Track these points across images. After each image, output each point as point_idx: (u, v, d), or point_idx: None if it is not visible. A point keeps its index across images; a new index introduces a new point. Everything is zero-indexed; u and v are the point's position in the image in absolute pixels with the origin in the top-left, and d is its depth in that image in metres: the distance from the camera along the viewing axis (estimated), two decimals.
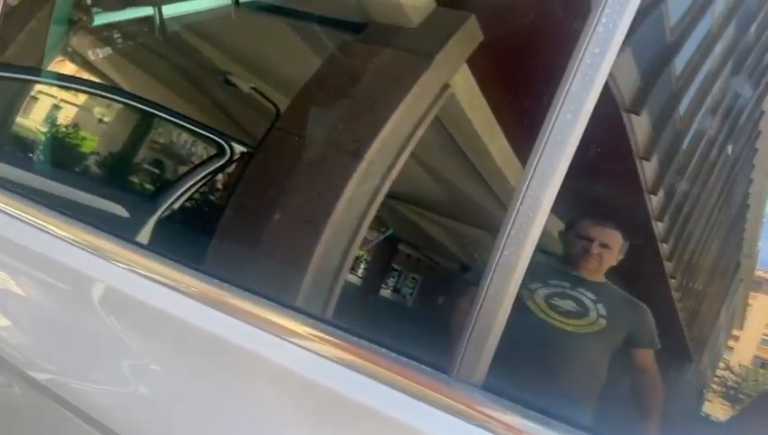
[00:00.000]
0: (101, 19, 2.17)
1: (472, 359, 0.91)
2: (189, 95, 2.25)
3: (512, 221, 0.91)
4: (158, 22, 2.05)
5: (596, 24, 0.94)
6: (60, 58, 2.20)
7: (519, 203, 0.92)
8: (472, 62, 1.79)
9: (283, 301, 1.07)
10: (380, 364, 0.95)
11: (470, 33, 1.79)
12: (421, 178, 1.87)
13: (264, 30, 2.11)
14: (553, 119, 0.92)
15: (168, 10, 2.07)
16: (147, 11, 2.07)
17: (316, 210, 1.73)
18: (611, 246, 1.52)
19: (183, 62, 2.29)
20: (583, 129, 0.93)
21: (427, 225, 1.85)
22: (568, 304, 1.48)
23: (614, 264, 1.52)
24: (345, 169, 1.71)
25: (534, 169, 0.93)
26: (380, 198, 1.74)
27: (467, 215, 1.80)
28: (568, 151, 0.92)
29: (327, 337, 1.00)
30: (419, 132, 1.77)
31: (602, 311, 1.47)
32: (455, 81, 1.81)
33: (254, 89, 2.00)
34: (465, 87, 1.80)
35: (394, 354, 0.96)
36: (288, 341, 1.01)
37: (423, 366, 0.94)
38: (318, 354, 0.99)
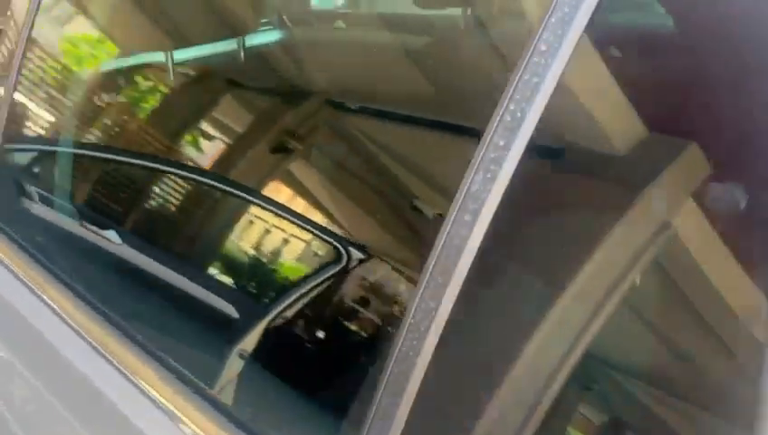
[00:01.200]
0: None
1: (381, 429, 0.81)
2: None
3: (429, 271, 0.86)
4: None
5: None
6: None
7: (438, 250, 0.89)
8: (698, 197, 1.47)
9: None
10: None
11: (692, 164, 1.48)
12: (641, 341, 1.45)
13: (452, 152, 1.97)
14: (483, 150, 0.89)
15: None
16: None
17: (493, 362, 1.44)
18: None
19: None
20: (518, 159, 0.88)
21: (656, 406, 1.38)
22: None
23: None
24: (537, 314, 1.42)
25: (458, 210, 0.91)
26: (579, 356, 1.40)
27: (705, 397, 1.27)
28: (497, 187, 0.89)
29: None
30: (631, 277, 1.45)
31: None
32: (678, 219, 1.50)
33: (439, 215, 1.83)
34: (694, 227, 1.47)
35: None
36: None
37: None
38: None
